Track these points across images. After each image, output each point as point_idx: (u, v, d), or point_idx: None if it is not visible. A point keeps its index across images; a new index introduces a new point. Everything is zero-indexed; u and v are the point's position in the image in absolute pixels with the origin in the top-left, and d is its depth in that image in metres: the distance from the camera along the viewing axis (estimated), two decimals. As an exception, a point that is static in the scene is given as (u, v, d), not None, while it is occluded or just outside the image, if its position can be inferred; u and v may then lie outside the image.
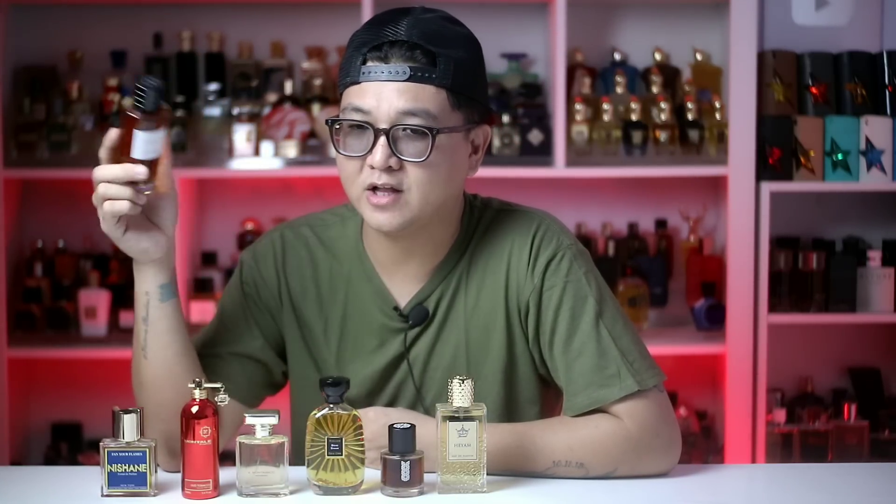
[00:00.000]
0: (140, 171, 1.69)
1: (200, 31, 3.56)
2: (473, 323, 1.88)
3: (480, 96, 1.85)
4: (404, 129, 1.76)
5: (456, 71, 1.78)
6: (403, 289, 1.90)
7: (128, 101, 1.73)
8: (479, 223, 1.91)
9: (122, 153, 1.70)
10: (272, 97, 3.47)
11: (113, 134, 1.72)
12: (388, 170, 1.77)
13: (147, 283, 1.78)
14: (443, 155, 1.78)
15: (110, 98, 3.42)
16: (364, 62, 1.78)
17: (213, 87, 3.48)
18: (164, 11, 3.58)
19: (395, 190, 1.78)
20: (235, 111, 3.42)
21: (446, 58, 1.78)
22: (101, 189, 1.69)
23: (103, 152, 1.72)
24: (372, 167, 1.77)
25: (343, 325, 1.91)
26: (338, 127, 1.81)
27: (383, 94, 1.76)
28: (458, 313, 1.89)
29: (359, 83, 1.78)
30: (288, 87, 3.47)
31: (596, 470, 1.78)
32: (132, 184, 1.69)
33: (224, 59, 3.55)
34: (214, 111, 3.42)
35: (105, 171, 1.69)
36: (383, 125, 1.76)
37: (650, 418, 1.80)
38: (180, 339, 1.81)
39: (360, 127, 1.78)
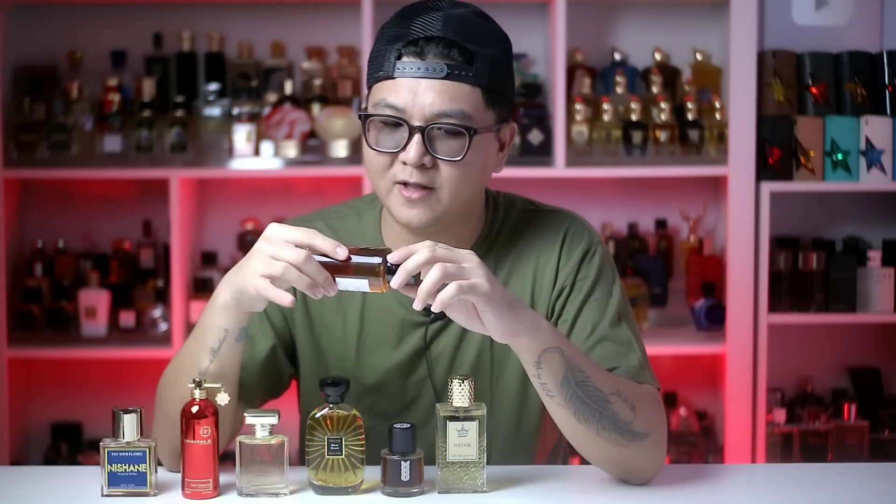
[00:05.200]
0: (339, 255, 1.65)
1: (200, 31, 3.56)
2: None
3: (510, 94, 1.84)
4: (439, 128, 1.75)
5: (491, 69, 1.77)
6: None
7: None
8: (504, 222, 1.91)
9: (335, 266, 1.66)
10: (272, 97, 3.47)
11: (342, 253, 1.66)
12: (421, 167, 1.75)
13: (229, 322, 1.73)
14: (476, 154, 1.78)
15: (110, 98, 3.42)
16: (399, 57, 1.75)
17: (213, 87, 3.48)
18: (164, 11, 3.58)
19: (427, 188, 1.77)
20: (235, 111, 3.42)
21: (483, 57, 1.76)
22: (297, 256, 1.64)
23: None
24: (404, 163, 1.75)
25: (362, 319, 1.90)
26: (369, 122, 1.79)
27: (419, 90, 1.74)
28: None
29: (393, 78, 1.75)
30: (288, 87, 3.46)
31: (639, 423, 1.74)
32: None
33: (224, 59, 3.55)
34: (214, 111, 3.42)
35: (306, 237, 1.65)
36: (418, 122, 1.74)
37: (663, 414, 1.81)
38: (237, 372, 1.80)
39: (393, 123, 1.76)
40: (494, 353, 1.87)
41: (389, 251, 1.65)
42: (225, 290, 1.72)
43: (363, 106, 1.83)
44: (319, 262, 1.65)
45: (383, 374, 1.89)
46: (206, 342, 1.75)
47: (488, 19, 1.83)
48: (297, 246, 1.65)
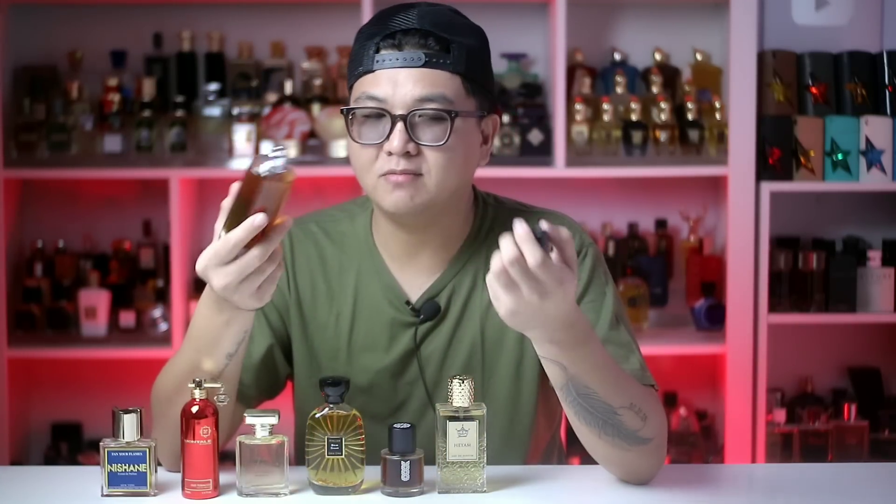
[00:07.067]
0: (259, 220, 1.70)
1: (200, 31, 3.56)
2: (489, 321, 1.88)
3: (490, 86, 1.86)
4: (421, 115, 1.76)
5: (469, 58, 1.79)
6: (415, 283, 1.89)
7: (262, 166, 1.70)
8: (494, 220, 1.92)
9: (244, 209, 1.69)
10: (272, 97, 3.47)
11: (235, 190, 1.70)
12: (406, 155, 1.76)
13: (249, 323, 1.74)
14: (459, 139, 1.79)
15: (110, 98, 3.42)
16: (377, 51, 1.77)
17: (213, 87, 3.48)
18: (164, 11, 3.58)
19: (415, 174, 1.77)
20: (235, 111, 3.42)
21: (459, 45, 1.78)
22: (247, 262, 1.68)
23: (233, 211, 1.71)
24: (389, 153, 1.77)
25: (353, 318, 1.90)
26: (351, 117, 1.80)
27: (398, 80, 1.76)
28: (473, 311, 1.88)
29: (372, 71, 1.78)
30: (288, 87, 3.47)
31: (646, 431, 1.72)
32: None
33: (224, 59, 3.55)
34: (214, 111, 3.42)
35: (236, 236, 1.70)
36: (400, 111, 1.76)
37: (665, 416, 1.81)
38: (239, 372, 1.81)
39: (375, 115, 1.78)
40: (486, 354, 1.88)
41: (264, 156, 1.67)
42: (221, 303, 1.72)
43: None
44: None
45: (374, 375, 1.89)
46: (223, 349, 1.73)
47: (463, 16, 1.86)
48: (226, 255, 1.71)
